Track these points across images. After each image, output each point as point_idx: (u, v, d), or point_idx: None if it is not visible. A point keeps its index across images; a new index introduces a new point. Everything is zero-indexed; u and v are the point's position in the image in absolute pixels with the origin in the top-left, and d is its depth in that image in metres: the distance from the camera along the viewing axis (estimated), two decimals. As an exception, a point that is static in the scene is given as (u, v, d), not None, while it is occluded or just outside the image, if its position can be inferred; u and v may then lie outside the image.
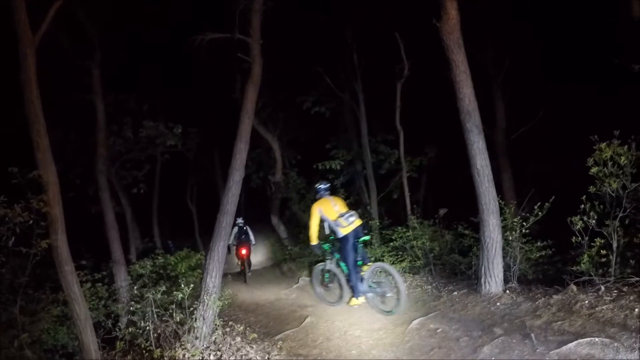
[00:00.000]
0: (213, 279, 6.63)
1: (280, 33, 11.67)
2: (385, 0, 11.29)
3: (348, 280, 7.56)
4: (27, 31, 5.23)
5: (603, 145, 5.57)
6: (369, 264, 7.47)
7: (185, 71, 13.95)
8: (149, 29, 11.21)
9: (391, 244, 10.10)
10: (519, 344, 4.80)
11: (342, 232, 7.26)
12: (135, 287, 6.95)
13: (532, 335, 4.87)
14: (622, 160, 5.43)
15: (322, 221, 7.54)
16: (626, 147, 5.46)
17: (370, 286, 7.29)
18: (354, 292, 7.44)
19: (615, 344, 4.18)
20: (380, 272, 7.33)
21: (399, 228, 9.98)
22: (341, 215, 7.32)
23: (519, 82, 12.47)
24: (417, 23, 9.41)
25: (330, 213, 7.45)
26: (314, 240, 7.63)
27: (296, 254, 13.49)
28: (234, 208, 7.05)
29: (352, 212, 7.44)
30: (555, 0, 10.68)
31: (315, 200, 7.93)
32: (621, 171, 5.48)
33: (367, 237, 7.93)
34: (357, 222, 7.37)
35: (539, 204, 6.78)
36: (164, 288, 6.53)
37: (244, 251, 12.54)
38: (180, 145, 12.87)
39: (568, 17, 10.68)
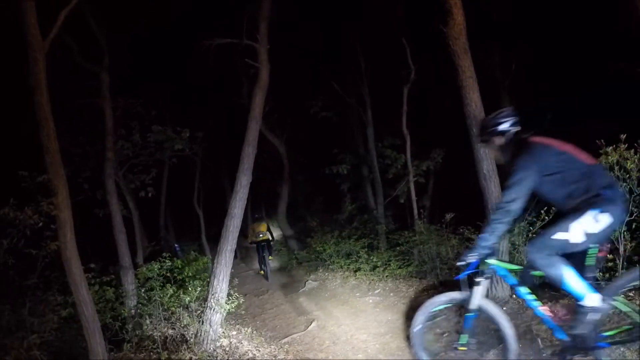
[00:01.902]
0: (220, 283, 6.65)
1: (288, 38, 11.74)
2: (392, 5, 11.32)
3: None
4: (37, 36, 5.28)
5: (609, 149, 5.56)
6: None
7: (193, 76, 14.01)
8: (157, 34, 11.30)
9: (398, 248, 10.12)
10: (525, 349, 4.81)
11: None
12: (142, 290, 6.99)
13: (539, 339, 4.87)
14: (628, 165, 5.42)
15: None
16: (633, 151, 5.45)
17: None
18: None
19: (622, 348, 4.17)
20: None
21: (406, 232, 10.01)
22: None
23: (526, 87, 12.46)
24: (424, 28, 9.45)
25: None
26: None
27: (303, 257, 13.52)
28: (242, 212, 7.08)
29: None
30: (560, 5, 10.68)
31: None
32: (628, 175, 5.47)
33: None
34: None
35: (545, 208, 6.77)
36: (171, 291, 6.58)
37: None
38: (188, 149, 12.92)
39: (573, 22, 10.67)
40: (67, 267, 5.19)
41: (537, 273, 3.90)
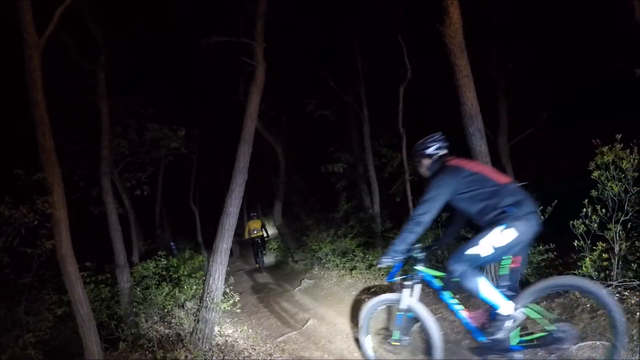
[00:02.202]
0: (216, 281, 6.64)
1: (285, 37, 11.73)
2: (389, 4, 11.32)
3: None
4: (32, 33, 5.26)
5: (605, 148, 5.58)
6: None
7: (191, 74, 14.00)
8: (154, 32, 11.27)
9: (393, 247, 10.11)
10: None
11: None
12: (138, 289, 6.98)
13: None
14: (624, 164, 5.44)
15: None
16: (628, 150, 5.47)
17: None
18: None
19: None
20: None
21: (402, 231, 10.00)
22: None
23: (522, 86, 12.49)
24: (421, 27, 9.45)
25: None
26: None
27: (299, 256, 13.53)
28: (237, 210, 7.07)
29: None
30: (558, 5, 10.70)
31: None
32: (623, 175, 5.49)
33: None
34: None
35: (540, 207, 6.78)
36: (167, 290, 6.58)
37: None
38: (184, 147, 12.91)
39: (571, 21, 10.70)
40: (62, 266, 5.18)
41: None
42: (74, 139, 10.78)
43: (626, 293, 5.22)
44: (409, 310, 4.62)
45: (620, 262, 5.53)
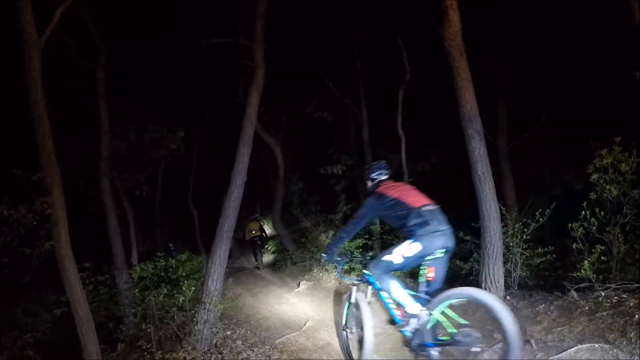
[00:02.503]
0: (214, 282, 6.64)
1: (284, 38, 11.73)
2: (388, 6, 11.33)
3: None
4: (32, 33, 5.26)
5: (604, 152, 5.59)
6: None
7: (189, 75, 14.00)
8: (153, 33, 11.28)
9: (392, 248, 10.11)
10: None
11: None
12: (136, 290, 6.98)
13: (532, 341, 4.89)
14: (622, 167, 5.45)
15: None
16: (627, 153, 5.48)
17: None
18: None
19: (615, 350, 4.19)
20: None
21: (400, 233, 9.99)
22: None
23: (521, 89, 12.50)
24: (420, 29, 9.47)
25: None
26: None
27: (297, 257, 13.50)
28: (236, 212, 7.07)
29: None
30: (556, 8, 10.71)
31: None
32: (622, 178, 5.50)
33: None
34: None
35: (539, 210, 6.79)
36: (165, 291, 6.56)
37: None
38: (183, 148, 12.92)
39: (570, 25, 10.71)
40: (61, 267, 5.18)
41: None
42: (73, 139, 10.77)
43: (625, 295, 5.22)
44: (356, 304, 5.44)
45: (618, 265, 5.54)
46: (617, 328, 4.56)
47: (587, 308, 5.23)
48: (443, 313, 4.38)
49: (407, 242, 4.50)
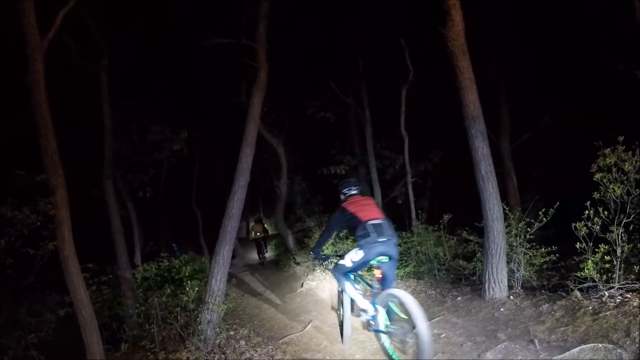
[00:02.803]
0: (218, 283, 6.64)
1: (287, 38, 11.72)
2: (390, 6, 11.32)
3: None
4: (35, 35, 5.27)
5: (607, 151, 5.57)
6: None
7: (192, 76, 14.00)
8: (155, 34, 11.29)
9: (395, 248, 10.10)
10: (522, 350, 4.81)
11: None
12: (140, 290, 6.99)
13: (536, 341, 4.88)
14: (626, 166, 5.44)
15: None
16: (630, 153, 5.46)
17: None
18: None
19: (619, 350, 4.18)
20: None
21: (404, 233, 9.99)
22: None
23: (524, 88, 12.48)
24: (423, 29, 9.45)
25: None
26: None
27: (301, 258, 13.51)
28: (239, 212, 7.07)
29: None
30: (558, 7, 10.69)
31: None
32: (625, 177, 5.48)
33: None
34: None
35: (543, 209, 6.77)
36: (168, 291, 6.57)
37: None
38: (186, 149, 12.92)
39: (571, 24, 10.69)
40: (64, 267, 5.19)
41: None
42: (76, 140, 10.79)
43: (628, 295, 5.21)
44: (341, 293, 6.23)
45: (622, 265, 5.52)
46: (621, 328, 4.55)
47: (590, 308, 5.22)
48: (388, 307, 5.36)
49: (355, 249, 5.49)
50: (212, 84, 14.71)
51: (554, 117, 12.23)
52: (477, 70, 6.89)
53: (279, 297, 10.39)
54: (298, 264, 13.15)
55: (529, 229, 7.00)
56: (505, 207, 6.92)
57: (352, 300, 5.98)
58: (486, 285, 6.71)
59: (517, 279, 6.87)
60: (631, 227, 5.52)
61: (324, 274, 11.04)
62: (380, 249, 5.33)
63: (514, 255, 6.97)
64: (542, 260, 7.16)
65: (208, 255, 14.92)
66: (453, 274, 8.73)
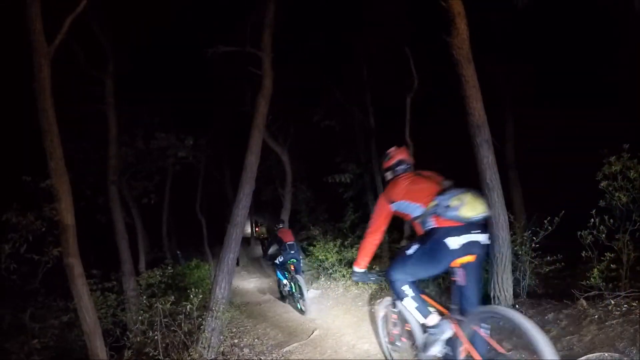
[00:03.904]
0: (222, 290, 6.65)
1: (292, 46, 11.76)
2: (395, 15, 11.34)
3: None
4: (42, 42, 5.31)
5: (612, 158, 5.55)
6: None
7: (197, 83, 14.05)
8: (161, 41, 11.34)
9: (400, 257, 10.07)
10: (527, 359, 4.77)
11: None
12: (144, 297, 6.98)
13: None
14: (631, 174, 5.42)
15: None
16: (636, 160, 5.44)
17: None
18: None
19: (625, 359, 4.15)
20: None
21: (408, 242, 9.96)
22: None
23: (529, 96, 12.46)
24: (427, 37, 9.46)
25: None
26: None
27: (305, 266, 13.49)
28: (244, 220, 7.09)
29: None
30: (563, 16, 10.69)
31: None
32: (631, 185, 5.46)
33: None
34: None
35: (548, 218, 6.74)
36: (172, 298, 6.56)
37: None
38: (191, 156, 12.95)
39: (577, 31, 10.68)
40: (69, 273, 5.19)
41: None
42: (81, 147, 10.83)
43: (635, 304, 5.17)
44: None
45: (628, 273, 5.49)
46: (627, 337, 4.51)
47: (596, 316, 5.18)
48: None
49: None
50: (218, 92, 14.76)
51: (559, 125, 12.19)
52: (482, 79, 6.88)
53: (282, 305, 10.37)
54: (302, 272, 13.13)
55: (534, 238, 6.97)
56: (510, 215, 6.90)
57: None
58: (491, 294, 6.67)
59: (523, 288, 6.83)
60: (637, 235, 5.49)
61: (328, 282, 11.02)
62: (291, 260, 9.65)
63: (519, 264, 6.94)
64: (547, 269, 7.13)
65: (213, 262, 14.90)
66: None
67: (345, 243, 11.75)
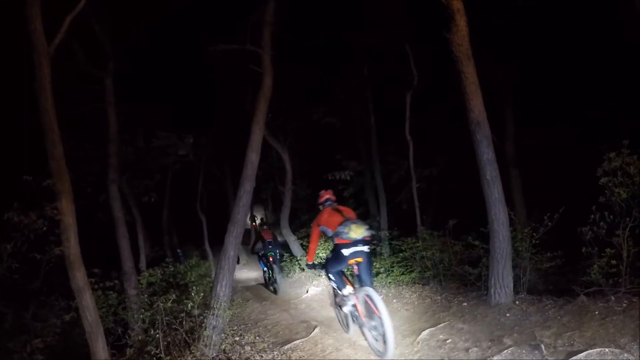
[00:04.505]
0: (223, 288, 6.65)
1: (292, 44, 11.75)
2: (395, 12, 11.34)
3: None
4: (42, 41, 5.30)
5: (612, 154, 5.57)
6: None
7: (198, 81, 14.06)
8: (162, 40, 11.34)
9: (401, 254, 10.10)
10: (528, 355, 4.78)
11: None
12: (145, 295, 7.00)
13: (542, 346, 4.85)
14: (631, 170, 5.43)
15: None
16: (635, 156, 5.45)
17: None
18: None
19: (626, 355, 4.16)
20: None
21: (409, 239, 9.98)
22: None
23: (529, 92, 12.46)
24: (427, 35, 9.46)
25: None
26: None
27: (305, 263, 13.51)
28: (245, 218, 7.09)
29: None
30: (564, 12, 10.68)
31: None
32: (631, 180, 5.47)
33: None
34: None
35: (548, 214, 6.75)
36: (174, 296, 6.58)
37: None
38: (191, 155, 12.95)
39: (578, 25, 10.67)
40: (70, 272, 5.20)
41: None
42: (82, 146, 10.83)
43: (635, 299, 5.19)
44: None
45: (628, 269, 5.50)
46: (628, 332, 4.53)
47: (597, 312, 5.20)
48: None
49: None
50: (218, 90, 14.76)
51: (559, 121, 12.19)
52: (481, 75, 6.88)
53: (283, 303, 10.39)
54: (303, 269, 13.14)
55: (534, 234, 6.98)
56: (510, 212, 6.91)
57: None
58: (492, 290, 6.69)
59: (523, 284, 6.85)
60: (637, 231, 5.51)
61: (329, 280, 11.03)
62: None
63: (520, 260, 6.96)
64: (547, 265, 7.15)
65: (213, 260, 14.91)
66: (458, 279, 8.70)
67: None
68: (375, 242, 12.14)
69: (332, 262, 6.62)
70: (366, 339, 6.33)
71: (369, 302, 5.83)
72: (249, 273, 17.30)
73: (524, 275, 6.87)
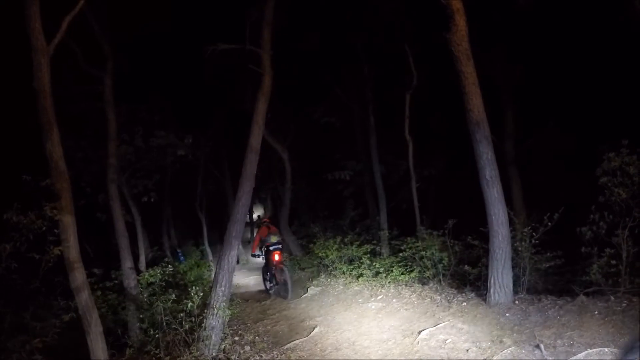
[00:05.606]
0: (223, 288, 6.65)
1: (291, 44, 11.75)
2: (395, 12, 11.33)
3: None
4: (41, 40, 5.30)
5: (612, 154, 5.57)
6: None
7: (196, 81, 14.04)
8: (160, 39, 11.33)
9: (400, 254, 10.09)
10: (528, 355, 4.79)
11: None
12: (144, 295, 6.99)
13: (542, 345, 4.86)
14: (631, 170, 5.43)
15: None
16: (635, 156, 5.45)
17: None
18: None
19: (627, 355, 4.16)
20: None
21: (408, 238, 9.98)
22: None
23: (529, 92, 12.45)
24: (427, 34, 9.46)
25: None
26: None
27: (305, 263, 13.49)
28: (244, 217, 7.09)
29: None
30: (563, 12, 10.67)
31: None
32: (630, 180, 5.47)
33: None
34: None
35: (548, 214, 6.75)
36: (173, 296, 6.57)
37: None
38: (191, 154, 12.93)
39: (578, 25, 10.66)
40: (70, 272, 5.20)
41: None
42: (81, 145, 10.82)
43: (634, 299, 5.19)
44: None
45: (628, 268, 5.50)
46: (628, 332, 4.53)
47: (596, 312, 5.21)
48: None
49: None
50: (218, 90, 14.74)
51: (558, 121, 12.19)
52: (481, 75, 6.88)
53: (283, 303, 10.38)
54: (302, 269, 13.14)
55: (534, 234, 6.98)
56: (510, 211, 6.91)
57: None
58: (492, 290, 6.69)
59: (523, 284, 6.85)
60: (637, 231, 5.51)
61: (329, 279, 11.03)
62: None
63: (519, 260, 6.96)
64: (547, 265, 7.14)
65: (213, 260, 14.91)
66: (458, 279, 8.71)
67: (345, 240, 11.75)
68: (374, 242, 12.12)
69: (266, 258, 11.72)
70: (279, 294, 11.33)
71: (281, 273, 11.18)
72: (248, 279, 17.28)
73: (524, 275, 6.87)
